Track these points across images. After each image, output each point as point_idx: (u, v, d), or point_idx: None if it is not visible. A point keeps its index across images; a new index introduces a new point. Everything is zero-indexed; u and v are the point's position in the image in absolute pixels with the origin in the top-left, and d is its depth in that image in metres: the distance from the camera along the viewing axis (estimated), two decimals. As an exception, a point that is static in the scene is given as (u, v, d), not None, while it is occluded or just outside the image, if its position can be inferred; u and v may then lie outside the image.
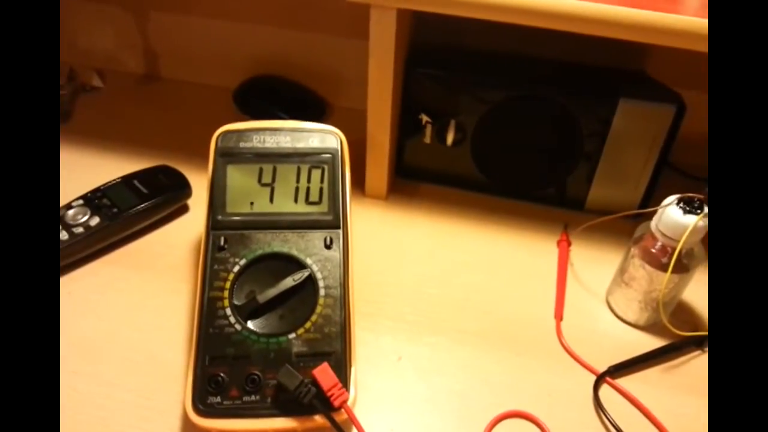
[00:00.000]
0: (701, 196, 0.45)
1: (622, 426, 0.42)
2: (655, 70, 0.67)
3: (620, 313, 0.51)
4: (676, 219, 0.44)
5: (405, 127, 0.62)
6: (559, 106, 0.57)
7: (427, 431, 0.41)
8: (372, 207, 0.61)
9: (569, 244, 0.58)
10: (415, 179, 0.66)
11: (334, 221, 0.45)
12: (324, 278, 0.43)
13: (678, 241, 0.44)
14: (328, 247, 0.44)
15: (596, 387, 0.45)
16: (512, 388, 0.45)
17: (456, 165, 0.63)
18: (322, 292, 0.42)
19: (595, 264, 0.56)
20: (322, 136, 0.48)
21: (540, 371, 0.46)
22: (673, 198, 0.45)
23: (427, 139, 0.62)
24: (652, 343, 0.49)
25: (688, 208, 0.44)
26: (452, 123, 0.60)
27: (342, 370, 0.39)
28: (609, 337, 0.50)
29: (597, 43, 0.61)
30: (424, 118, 0.60)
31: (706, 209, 0.44)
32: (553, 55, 0.67)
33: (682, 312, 0.52)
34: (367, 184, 0.62)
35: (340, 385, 0.37)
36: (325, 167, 0.47)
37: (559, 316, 0.51)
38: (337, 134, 0.48)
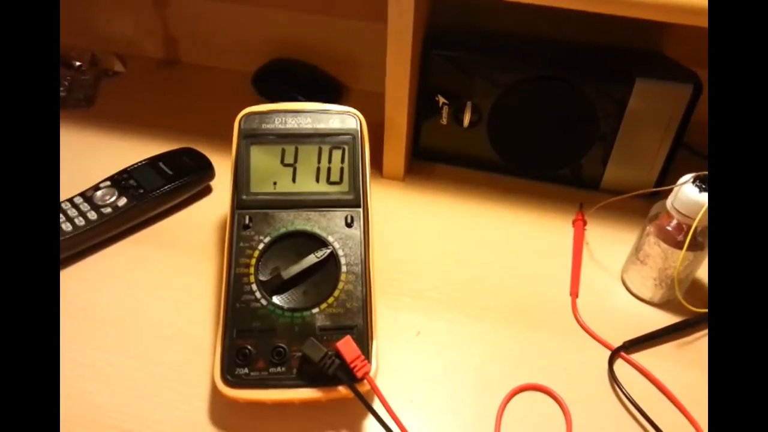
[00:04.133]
0: (717, 174, 0.45)
1: (636, 400, 0.43)
2: (673, 49, 0.67)
3: (635, 291, 0.52)
4: (692, 197, 0.45)
5: (422, 109, 0.63)
6: (574, 87, 0.57)
7: (446, 402, 0.43)
8: (390, 188, 0.63)
9: (585, 224, 0.59)
10: (432, 160, 0.67)
11: (355, 200, 0.46)
12: (345, 255, 0.44)
13: (693, 219, 0.45)
14: (349, 225, 0.45)
15: (611, 361, 0.46)
16: (528, 362, 0.46)
17: (472, 146, 0.64)
18: (343, 268, 0.43)
19: (611, 243, 0.57)
20: (342, 117, 0.49)
21: (556, 346, 0.48)
22: (689, 176, 0.46)
23: (444, 121, 0.62)
24: (666, 319, 0.50)
25: (704, 186, 0.45)
26: (468, 104, 0.60)
27: (364, 343, 0.40)
28: (624, 313, 0.51)
29: (613, 23, 0.62)
30: (441, 99, 0.61)
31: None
32: (570, 36, 0.67)
33: (696, 289, 0.53)
34: (384, 166, 0.63)
35: (362, 357, 0.39)
36: (346, 148, 0.48)
37: (574, 293, 0.52)
38: (356, 115, 0.49)
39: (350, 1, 0.73)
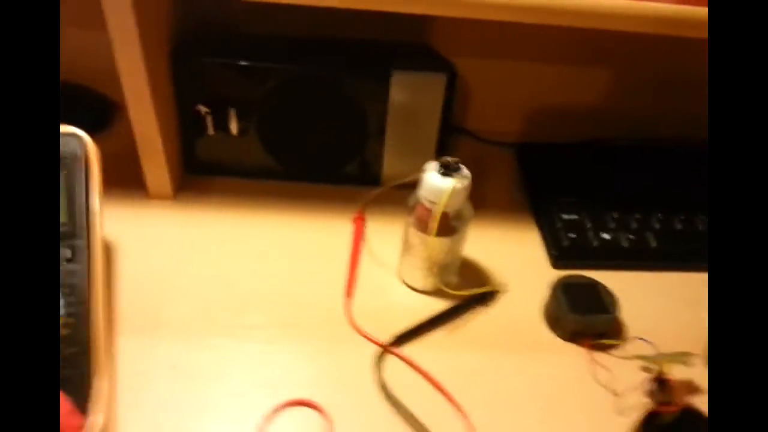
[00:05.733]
0: (457, 159, 0.45)
1: (406, 393, 0.43)
2: (439, 41, 0.68)
3: (410, 283, 0.52)
4: (435, 183, 0.45)
5: (185, 121, 0.58)
6: (336, 85, 0.56)
7: (197, 439, 0.39)
8: (158, 209, 0.57)
9: (364, 221, 0.58)
10: (210, 174, 0.62)
11: (72, 231, 0.41)
12: (65, 295, 0.39)
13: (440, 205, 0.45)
14: (69, 260, 0.40)
15: (378, 360, 0.45)
16: (295, 377, 0.44)
17: (247, 154, 0.60)
18: (62, 311, 0.38)
19: (390, 237, 0.56)
20: (64, 140, 0.44)
21: (327, 353, 0.46)
22: (432, 164, 0.46)
23: (211, 131, 0.59)
24: (441, 307, 0.50)
25: (445, 172, 0.45)
26: (232, 112, 0.57)
27: (83, 393, 0.35)
28: (400, 307, 0.50)
29: (379, 18, 0.61)
30: (202, 109, 0.57)
31: (464, 171, 0.45)
32: (335, 33, 0.66)
33: (469, 271, 0.54)
34: (149, 186, 0.57)
35: (76, 412, 0.34)
36: (63, 173, 0.42)
37: (349, 294, 0.51)
38: (80, 137, 0.44)
39: (89, 11, 0.66)
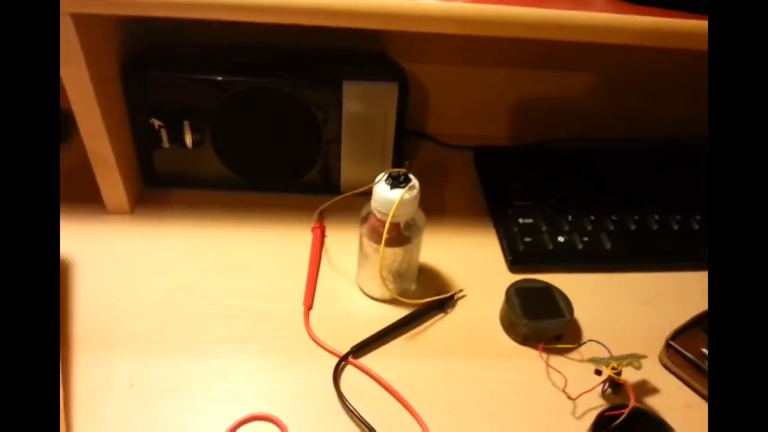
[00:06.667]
0: (405, 170, 0.46)
1: (365, 404, 0.43)
2: (395, 49, 0.68)
3: (368, 292, 0.52)
4: (384, 195, 0.45)
5: (140, 135, 0.58)
6: (287, 96, 0.56)
7: (152, 459, 0.39)
8: (115, 224, 0.57)
9: (323, 230, 0.58)
10: (169, 186, 0.62)
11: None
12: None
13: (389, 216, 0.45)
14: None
15: (336, 371, 0.45)
16: (256, 391, 0.44)
17: (204, 166, 0.60)
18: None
19: (349, 246, 0.56)
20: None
21: (286, 366, 0.46)
22: (382, 175, 0.46)
23: (166, 144, 0.58)
24: (399, 315, 0.51)
25: (394, 183, 0.45)
26: (186, 124, 0.57)
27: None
28: (359, 317, 0.51)
29: (332, 27, 0.61)
30: (156, 122, 0.57)
31: (412, 182, 0.46)
32: (290, 43, 0.66)
33: (428, 277, 0.55)
34: (105, 201, 0.57)
35: None
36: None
37: (308, 304, 0.51)
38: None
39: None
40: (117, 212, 0.58)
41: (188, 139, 0.58)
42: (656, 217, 0.60)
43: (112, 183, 0.55)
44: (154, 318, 0.49)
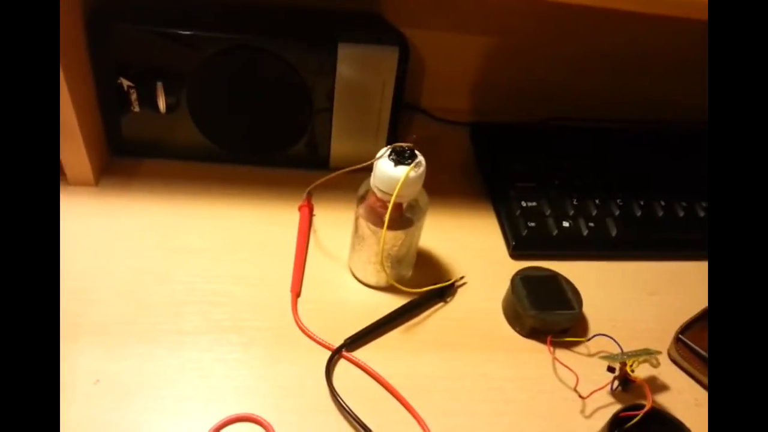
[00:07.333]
0: (411, 145, 0.41)
1: (359, 401, 0.39)
2: (391, 11, 0.63)
3: (361, 278, 0.48)
4: (388, 172, 0.40)
5: (107, 97, 0.52)
6: (274, 57, 0.50)
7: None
8: (78, 197, 0.51)
9: (311, 209, 0.53)
10: (138, 155, 0.56)
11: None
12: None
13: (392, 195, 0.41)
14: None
15: (329, 366, 0.41)
16: (239, 388, 0.40)
17: (179, 134, 0.54)
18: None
19: (340, 226, 0.52)
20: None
21: (272, 360, 0.41)
22: (384, 150, 0.42)
23: (136, 108, 0.52)
24: (396, 304, 0.46)
25: (398, 159, 0.41)
26: (159, 86, 0.51)
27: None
28: (352, 306, 0.46)
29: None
30: (125, 82, 0.51)
31: (418, 158, 0.41)
32: (279, 2, 0.60)
33: (425, 263, 0.51)
34: (66, 171, 0.51)
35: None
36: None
37: (295, 291, 0.46)
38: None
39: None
40: (79, 184, 0.52)
41: (161, 103, 0.52)
42: (662, 203, 0.57)
43: (73, 150, 0.49)
44: (121, 305, 0.43)
